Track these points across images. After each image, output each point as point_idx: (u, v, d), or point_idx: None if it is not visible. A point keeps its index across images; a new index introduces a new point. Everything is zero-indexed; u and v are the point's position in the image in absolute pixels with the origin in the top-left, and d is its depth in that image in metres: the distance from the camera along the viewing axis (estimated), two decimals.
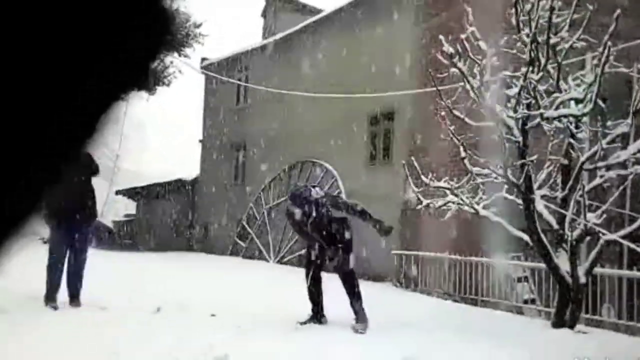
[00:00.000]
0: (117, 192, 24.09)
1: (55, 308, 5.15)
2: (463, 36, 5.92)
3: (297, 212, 5.23)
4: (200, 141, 19.68)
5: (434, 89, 6.54)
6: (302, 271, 5.68)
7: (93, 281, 6.71)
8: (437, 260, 10.04)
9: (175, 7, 18.39)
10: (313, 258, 5.49)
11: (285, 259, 13.80)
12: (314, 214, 5.19)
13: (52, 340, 4.01)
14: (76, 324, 4.59)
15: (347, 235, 5.48)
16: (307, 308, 5.46)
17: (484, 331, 5.92)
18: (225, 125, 18.09)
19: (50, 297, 5.21)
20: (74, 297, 5.31)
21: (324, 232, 5.34)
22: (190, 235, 19.24)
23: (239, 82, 17.09)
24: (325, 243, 5.37)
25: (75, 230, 5.26)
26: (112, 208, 27.88)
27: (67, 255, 5.27)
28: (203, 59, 19.35)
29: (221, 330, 4.73)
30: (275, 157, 15.11)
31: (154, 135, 36.02)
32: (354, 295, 5.42)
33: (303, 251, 10.59)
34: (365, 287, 5.69)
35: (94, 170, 5.26)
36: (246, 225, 15.84)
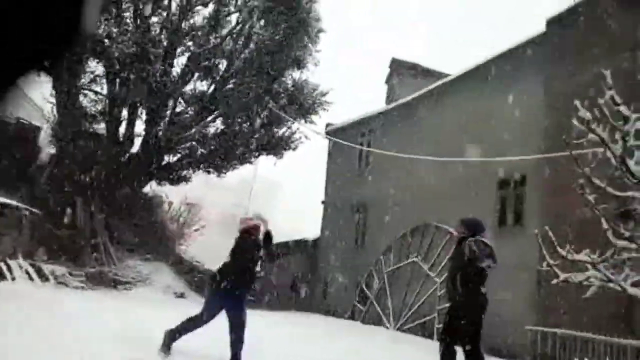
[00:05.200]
0: None
1: (165, 355, 5.34)
2: (601, 101, 5.56)
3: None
4: (323, 202, 20.12)
5: (568, 153, 6.15)
6: (422, 341, 5.44)
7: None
8: (581, 339, 9.06)
9: (304, 77, 19.44)
10: (449, 322, 5.21)
11: (406, 327, 13.32)
12: (474, 248, 5.08)
13: None
14: None
15: (481, 300, 5.20)
16: None
17: None
18: (346, 188, 18.38)
19: (166, 343, 5.39)
20: (235, 357, 5.45)
21: (470, 276, 5.11)
22: (309, 295, 19.39)
23: (360, 146, 17.40)
24: (464, 292, 5.07)
25: (229, 297, 5.47)
26: None
27: (214, 318, 5.50)
28: (327, 125, 20.07)
29: None
30: (397, 220, 14.94)
31: (283, 196, 37.54)
32: None
33: (428, 318, 10.14)
34: None
35: (266, 250, 5.70)
36: (365, 289, 15.65)
